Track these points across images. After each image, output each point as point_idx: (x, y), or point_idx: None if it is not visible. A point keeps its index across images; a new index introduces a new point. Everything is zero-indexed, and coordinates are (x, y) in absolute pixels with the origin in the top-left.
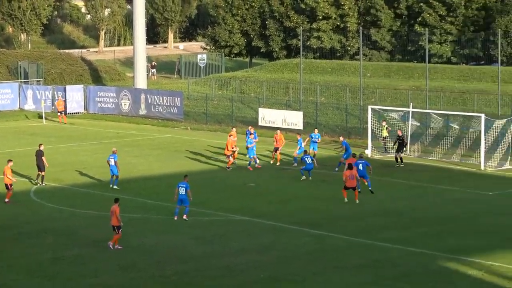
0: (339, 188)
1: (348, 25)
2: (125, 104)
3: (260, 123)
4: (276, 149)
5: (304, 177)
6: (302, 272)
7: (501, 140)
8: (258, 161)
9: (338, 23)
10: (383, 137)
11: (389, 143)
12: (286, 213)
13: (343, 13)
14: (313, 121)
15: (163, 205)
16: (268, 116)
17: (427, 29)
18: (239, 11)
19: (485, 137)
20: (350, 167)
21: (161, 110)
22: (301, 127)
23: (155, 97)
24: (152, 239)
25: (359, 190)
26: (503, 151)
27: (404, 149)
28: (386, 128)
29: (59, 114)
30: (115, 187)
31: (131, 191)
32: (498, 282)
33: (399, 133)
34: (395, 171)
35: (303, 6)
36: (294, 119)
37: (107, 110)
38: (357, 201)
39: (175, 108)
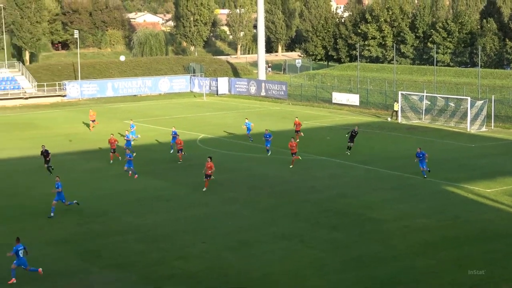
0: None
1: (387, 42)
2: (252, 89)
3: (333, 101)
4: (296, 132)
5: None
6: (357, 192)
7: (479, 113)
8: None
9: (381, 41)
10: (395, 111)
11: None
12: (350, 156)
13: (383, 35)
14: (365, 101)
15: (259, 146)
16: (338, 97)
17: (435, 45)
18: (321, 34)
19: (470, 112)
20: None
21: (274, 93)
22: (357, 104)
23: (270, 85)
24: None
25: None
26: (481, 120)
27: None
28: (398, 106)
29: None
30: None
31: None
32: (479, 200)
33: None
34: (413, 131)
35: (359, 31)
36: (354, 99)
37: (242, 93)
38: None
39: (282, 92)
